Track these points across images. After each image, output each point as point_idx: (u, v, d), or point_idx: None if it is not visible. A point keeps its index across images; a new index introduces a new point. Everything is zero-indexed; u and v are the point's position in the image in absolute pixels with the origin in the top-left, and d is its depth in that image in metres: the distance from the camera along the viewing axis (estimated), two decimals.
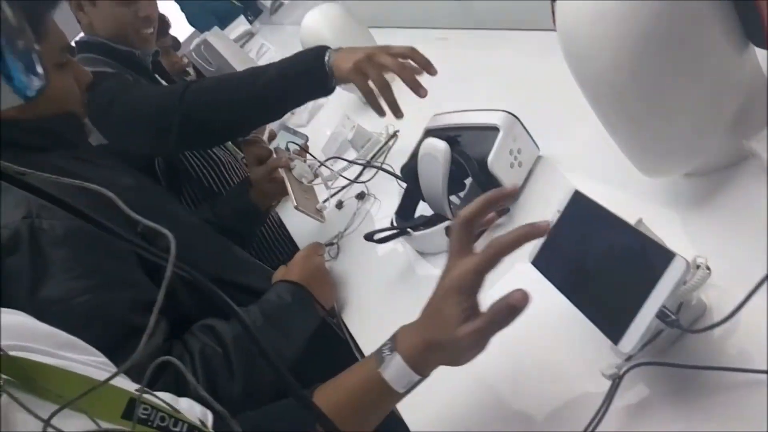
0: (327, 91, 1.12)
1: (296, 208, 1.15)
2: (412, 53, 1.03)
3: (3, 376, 0.38)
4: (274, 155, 1.34)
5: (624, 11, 0.58)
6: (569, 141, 0.91)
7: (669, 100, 0.60)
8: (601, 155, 0.80)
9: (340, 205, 1.29)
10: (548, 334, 0.70)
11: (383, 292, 1.02)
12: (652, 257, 0.52)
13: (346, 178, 1.30)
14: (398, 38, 1.55)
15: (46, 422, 0.35)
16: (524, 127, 0.91)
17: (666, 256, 0.51)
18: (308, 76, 1.10)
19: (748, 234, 0.61)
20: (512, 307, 0.57)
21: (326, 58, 1.07)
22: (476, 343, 0.59)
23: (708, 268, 0.57)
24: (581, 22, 0.61)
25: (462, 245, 0.62)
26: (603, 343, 0.63)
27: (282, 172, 1.22)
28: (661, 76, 0.59)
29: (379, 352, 0.65)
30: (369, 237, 0.95)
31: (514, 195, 0.64)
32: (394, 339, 0.65)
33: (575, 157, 0.88)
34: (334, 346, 1.06)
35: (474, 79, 1.25)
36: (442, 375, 0.64)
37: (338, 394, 0.66)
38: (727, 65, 0.61)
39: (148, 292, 0.84)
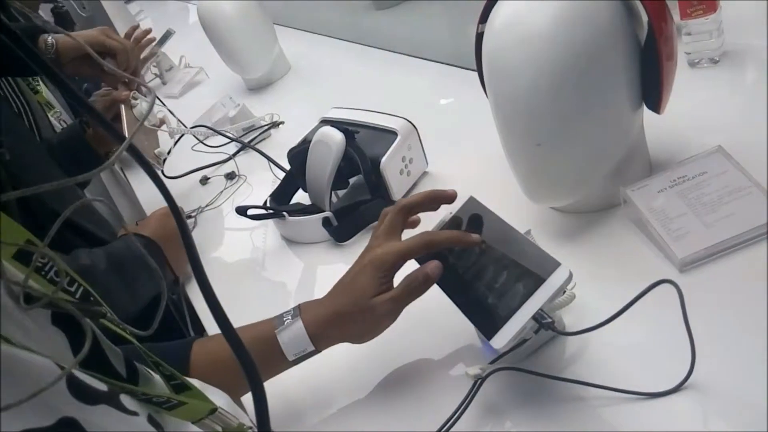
0: None
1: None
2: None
3: None
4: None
5: (551, 38, 0.62)
6: (456, 164, 0.95)
7: (570, 132, 0.65)
8: (485, 182, 0.84)
9: (205, 180, 1.21)
10: (422, 329, 0.69)
11: (236, 276, 0.96)
12: (537, 263, 0.55)
13: (218, 149, 1.23)
14: (302, 41, 1.54)
15: None
16: (420, 140, 0.92)
17: (551, 263, 0.53)
18: None
19: (608, 272, 0.66)
20: (427, 276, 0.59)
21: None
22: (390, 312, 0.59)
23: (573, 294, 0.61)
24: (511, 41, 0.64)
25: (392, 229, 0.62)
26: (474, 343, 0.65)
27: (122, 109, 1.10)
28: (569, 106, 0.64)
29: (280, 316, 0.62)
30: (241, 210, 0.89)
31: (453, 198, 0.65)
32: (298, 308, 0.63)
33: (459, 178, 0.92)
34: (165, 324, 0.97)
35: (378, 92, 1.26)
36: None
37: (222, 348, 0.60)
38: (623, 116, 0.67)
39: None
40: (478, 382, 0.57)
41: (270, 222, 0.99)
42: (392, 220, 0.63)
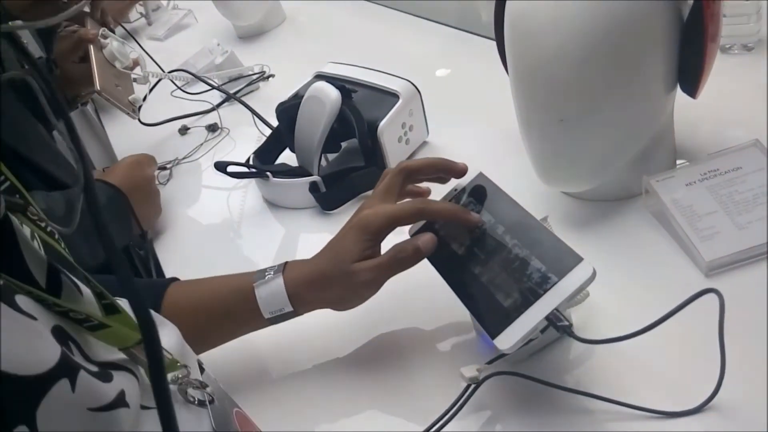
0: None
1: (98, 92, 0.95)
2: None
3: None
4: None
5: (585, 7, 0.54)
6: (460, 137, 0.87)
7: (597, 109, 0.58)
8: (492, 160, 0.77)
9: (184, 130, 1.12)
10: (415, 313, 0.63)
11: (209, 236, 0.88)
12: (555, 256, 0.48)
13: (200, 97, 1.13)
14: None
15: None
16: (423, 106, 0.84)
17: (572, 257, 0.47)
18: None
19: (625, 269, 0.60)
20: (418, 248, 0.54)
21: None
22: (372, 281, 0.55)
23: (587, 292, 0.55)
24: (540, 2, 0.56)
25: (388, 191, 0.57)
26: (471, 334, 0.59)
27: (91, 50, 0.99)
28: (599, 80, 0.57)
29: (263, 270, 0.58)
30: (221, 166, 0.81)
31: (463, 172, 0.58)
32: (283, 265, 0.58)
33: (463, 153, 0.84)
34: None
35: (381, 54, 1.16)
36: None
37: (198, 293, 0.60)
38: (656, 96, 0.60)
39: None
40: (473, 386, 0.50)
41: (252, 181, 0.91)
42: (389, 182, 0.58)
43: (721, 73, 0.65)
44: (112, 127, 1.25)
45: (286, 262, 0.59)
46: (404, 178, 0.58)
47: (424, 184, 0.62)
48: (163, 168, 1.02)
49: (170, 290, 0.60)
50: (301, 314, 0.58)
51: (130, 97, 1.00)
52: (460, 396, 0.51)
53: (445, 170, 0.59)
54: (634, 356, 0.52)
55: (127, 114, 0.99)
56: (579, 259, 0.46)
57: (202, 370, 0.44)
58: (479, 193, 0.57)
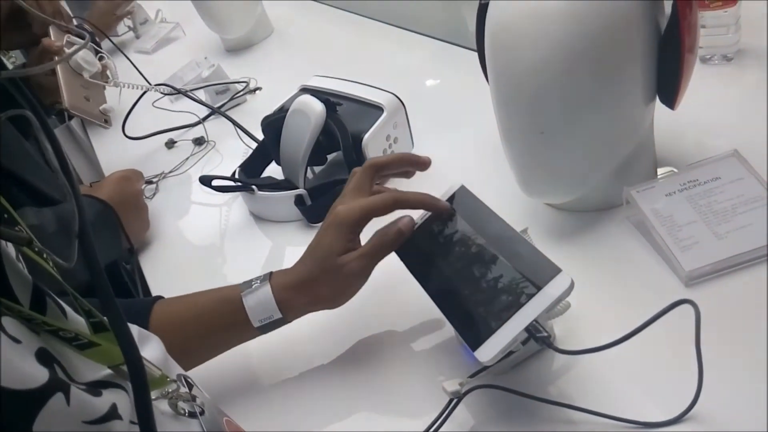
0: None
1: (66, 110, 0.93)
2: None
3: None
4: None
5: (566, 14, 0.55)
6: (445, 150, 0.87)
7: (577, 121, 0.59)
8: (476, 171, 0.77)
9: (171, 143, 1.12)
10: (401, 329, 0.63)
11: (195, 250, 0.88)
12: (534, 267, 0.48)
13: (188, 112, 1.13)
14: (288, 3, 1.42)
15: None
16: (407, 118, 0.85)
17: (550, 269, 0.47)
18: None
19: (606, 279, 0.60)
20: (399, 231, 0.56)
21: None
22: (359, 270, 0.56)
23: (568, 303, 0.55)
24: (519, 15, 0.57)
25: (358, 188, 0.58)
26: (454, 347, 0.59)
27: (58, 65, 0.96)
28: (579, 92, 0.57)
29: (249, 280, 0.59)
30: (205, 180, 0.81)
31: (427, 166, 0.62)
32: (269, 274, 0.59)
33: (448, 165, 0.84)
34: (119, 295, 0.89)
35: (367, 66, 1.17)
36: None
37: (185, 308, 0.60)
38: (636, 108, 0.61)
39: None
40: (455, 401, 0.50)
41: (239, 195, 0.91)
42: (359, 179, 0.59)
43: (701, 83, 0.65)
44: (99, 141, 1.25)
45: (272, 272, 0.59)
46: (373, 173, 0.59)
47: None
48: (149, 182, 1.02)
49: (156, 308, 0.60)
50: (291, 321, 0.59)
51: (101, 107, 0.98)
52: (442, 411, 0.51)
53: (410, 163, 0.61)
54: (616, 367, 0.52)
55: (99, 125, 0.98)
56: (557, 270, 0.46)
57: (189, 386, 0.44)
58: (460, 205, 0.57)
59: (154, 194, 1.01)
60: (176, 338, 0.53)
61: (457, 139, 0.88)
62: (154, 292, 0.81)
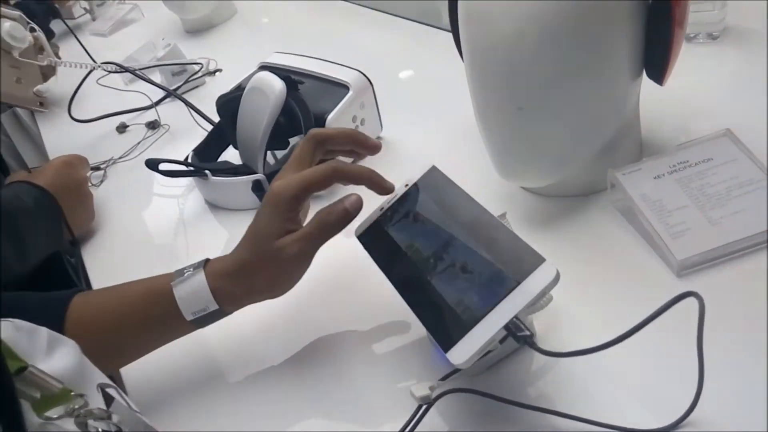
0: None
1: None
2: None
3: None
4: None
5: None
6: (417, 133, 0.82)
7: (558, 96, 0.53)
8: (450, 156, 0.72)
9: (122, 128, 1.04)
10: (361, 328, 0.57)
11: (145, 240, 0.80)
12: (514, 256, 0.42)
13: (142, 94, 1.06)
14: None
15: None
16: (375, 98, 0.79)
17: (533, 258, 0.41)
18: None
19: (590, 270, 0.55)
20: (345, 210, 0.50)
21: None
22: (300, 254, 0.50)
23: (551, 296, 0.49)
24: None
25: (298, 161, 0.52)
26: (424, 346, 0.53)
27: None
28: (560, 63, 0.52)
29: (182, 269, 0.52)
30: (152, 164, 0.74)
31: (376, 150, 0.55)
32: (204, 261, 0.53)
33: (419, 149, 0.79)
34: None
35: (337, 49, 1.09)
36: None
37: (108, 302, 0.54)
38: (621, 83, 0.56)
39: None
40: (424, 407, 0.45)
41: (195, 182, 0.84)
42: (299, 151, 0.53)
43: (686, 62, 0.61)
44: (46, 126, 1.16)
45: (207, 258, 0.53)
46: (315, 146, 0.53)
47: None
48: (96, 168, 0.94)
49: (75, 303, 0.53)
50: (230, 313, 0.53)
51: (35, 89, 0.89)
52: (410, 418, 0.45)
53: (357, 143, 0.55)
54: (602, 367, 0.46)
55: (34, 109, 0.89)
56: (541, 260, 0.41)
57: (108, 399, 0.37)
58: (431, 188, 0.51)
59: (102, 181, 0.93)
60: (98, 336, 0.48)
61: (429, 123, 0.83)
62: (96, 287, 0.74)
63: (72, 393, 0.31)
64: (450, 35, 0.65)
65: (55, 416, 0.30)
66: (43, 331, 0.36)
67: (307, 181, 0.50)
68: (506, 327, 0.40)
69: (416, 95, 0.90)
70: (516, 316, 0.40)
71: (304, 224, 0.51)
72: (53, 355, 0.35)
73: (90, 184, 0.90)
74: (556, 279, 0.40)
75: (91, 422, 0.32)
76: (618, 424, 0.42)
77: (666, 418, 0.42)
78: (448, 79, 0.79)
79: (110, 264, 0.78)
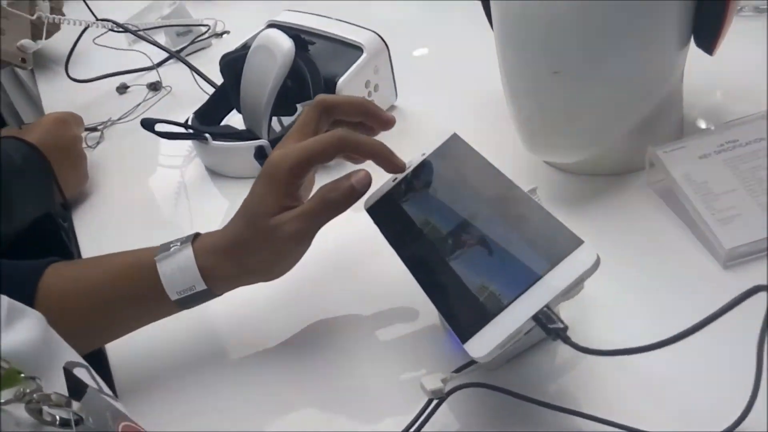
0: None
1: None
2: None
3: None
4: None
5: None
6: (434, 103, 0.76)
7: (599, 61, 0.47)
8: (471, 128, 0.65)
9: (123, 88, 0.99)
10: (368, 312, 0.52)
11: (139, 208, 0.75)
12: (547, 238, 0.37)
13: (145, 54, 1.00)
14: None
15: None
16: (391, 63, 0.73)
17: (569, 240, 0.36)
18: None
19: (624, 255, 0.49)
20: (351, 187, 0.44)
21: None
22: (298, 234, 0.44)
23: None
24: None
25: (302, 130, 0.46)
26: (437, 333, 0.48)
27: None
28: (603, 26, 0.46)
29: (168, 242, 0.48)
30: (148, 124, 0.68)
31: (389, 125, 0.49)
32: (193, 235, 0.48)
33: (437, 120, 0.73)
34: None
35: (356, 11, 1.03)
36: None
37: (85, 275, 0.49)
38: (668, 50, 0.50)
39: None
40: (435, 402, 0.40)
41: (194, 147, 0.79)
42: (303, 118, 0.47)
43: (732, 36, 0.55)
44: (45, 84, 1.11)
45: (197, 233, 0.48)
46: (321, 113, 0.47)
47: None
48: (93, 129, 0.89)
49: (48, 273, 0.48)
50: (219, 294, 0.48)
51: (18, 43, 0.83)
52: (419, 413, 0.40)
53: (368, 115, 0.48)
54: (636, 366, 0.41)
55: (15, 65, 0.83)
56: (578, 242, 0.35)
57: (75, 383, 0.32)
58: (452, 158, 0.46)
59: (98, 143, 0.88)
60: (71, 312, 0.44)
61: (448, 93, 0.77)
62: (86, 256, 0.69)
63: (21, 375, 0.26)
64: (472, 4, 0.59)
65: (2, 400, 0.25)
66: (3, 301, 0.32)
67: (308, 152, 0.44)
68: (535, 317, 0.35)
69: (434, 65, 0.84)
70: (547, 305, 0.34)
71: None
72: (12, 328, 0.30)
73: (85, 145, 0.85)
74: (596, 264, 0.34)
75: (46, 409, 0.27)
76: (654, 431, 0.37)
77: (709, 428, 0.37)
78: (470, 49, 0.74)
79: (101, 231, 0.73)
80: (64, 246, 0.88)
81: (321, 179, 0.48)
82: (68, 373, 0.32)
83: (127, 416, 0.34)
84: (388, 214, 0.46)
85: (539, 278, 0.35)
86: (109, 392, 0.35)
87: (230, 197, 0.73)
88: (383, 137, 0.49)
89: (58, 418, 0.27)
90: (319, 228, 0.45)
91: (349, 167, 0.47)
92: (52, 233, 0.86)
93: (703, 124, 0.59)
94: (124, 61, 1.04)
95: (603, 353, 0.34)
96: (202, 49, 1.05)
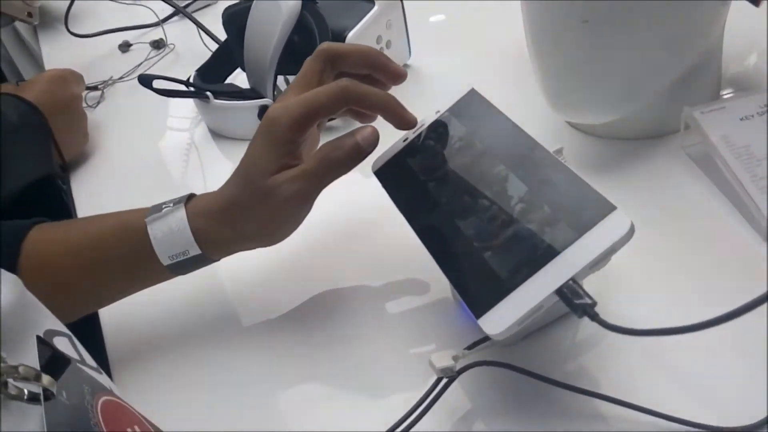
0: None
1: None
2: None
3: None
4: None
5: None
6: (450, 62, 0.72)
7: (633, 10, 0.43)
8: (490, 87, 0.61)
9: (125, 46, 0.95)
10: (375, 283, 0.49)
11: (138, 170, 0.72)
12: (575, 203, 0.33)
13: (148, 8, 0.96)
14: None
15: None
16: (405, 18, 0.68)
17: (600, 205, 0.32)
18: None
19: (653, 226, 0.45)
20: (356, 144, 0.40)
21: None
22: (298, 194, 0.40)
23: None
24: None
25: (304, 82, 0.42)
26: (450, 312, 0.45)
27: None
28: None
29: (161, 203, 0.45)
30: (145, 80, 0.65)
31: (400, 78, 0.44)
32: (187, 196, 0.45)
33: (453, 79, 0.69)
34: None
35: None
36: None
37: (71, 237, 0.45)
38: (708, 3, 0.45)
39: None
40: (445, 380, 0.36)
41: (196, 106, 0.75)
42: (305, 68, 0.43)
43: None
44: (46, 41, 1.07)
45: (192, 194, 0.45)
46: (324, 63, 0.43)
47: None
48: (93, 88, 0.85)
49: (34, 234, 0.45)
50: (216, 260, 0.45)
51: None
52: (428, 392, 0.37)
53: (376, 66, 0.44)
54: (662, 348, 0.38)
55: (21, 20, 0.80)
56: (610, 208, 0.32)
57: (53, 354, 0.29)
58: (469, 116, 0.42)
59: (99, 103, 0.84)
60: (56, 273, 0.41)
61: (465, 53, 0.72)
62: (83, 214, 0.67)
63: None
64: None
65: None
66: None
67: (309, 105, 0.40)
68: (560, 291, 0.31)
69: (451, 29, 0.80)
70: (573, 278, 0.31)
71: None
72: None
73: (85, 105, 0.81)
74: (630, 232, 0.31)
75: (12, 382, 0.24)
76: (688, 419, 0.34)
77: (739, 418, 0.33)
78: (490, 15, 0.69)
79: (100, 195, 0.70)
80: (66, 210, 0.85)
81: (325, 140, 0.45)
82: (43, 343, 0.29)
83: (110, 390, 0.31)
84: (397, 178, 0.43)
85: (565, 248, 0.32)
86: (93, 364, 0.32)
87: (234, 160, 0.70)
88: (396, 96, 0.45)
89: (26, 392, 0.25)
90: (320, 190, 0.41)
91: (356, 127, 0.43)
92: (52, 197, 0.83)
93: (743, 85, 0.54)
94: (127, 18, 1.00)
95: (636, 333, 0.30)
96: (209, 5, 1.01)
